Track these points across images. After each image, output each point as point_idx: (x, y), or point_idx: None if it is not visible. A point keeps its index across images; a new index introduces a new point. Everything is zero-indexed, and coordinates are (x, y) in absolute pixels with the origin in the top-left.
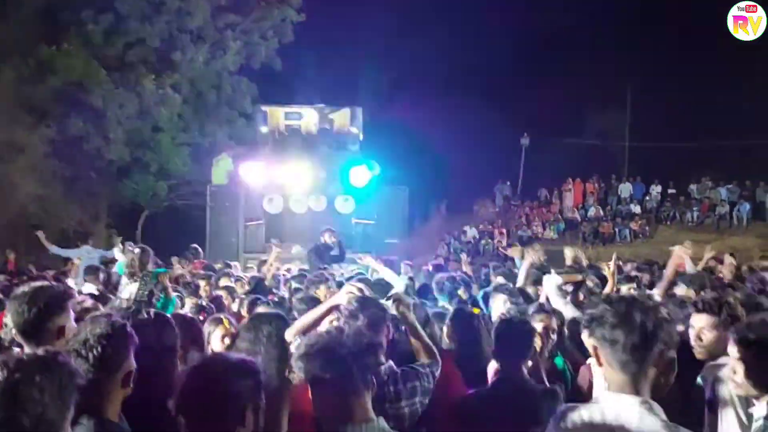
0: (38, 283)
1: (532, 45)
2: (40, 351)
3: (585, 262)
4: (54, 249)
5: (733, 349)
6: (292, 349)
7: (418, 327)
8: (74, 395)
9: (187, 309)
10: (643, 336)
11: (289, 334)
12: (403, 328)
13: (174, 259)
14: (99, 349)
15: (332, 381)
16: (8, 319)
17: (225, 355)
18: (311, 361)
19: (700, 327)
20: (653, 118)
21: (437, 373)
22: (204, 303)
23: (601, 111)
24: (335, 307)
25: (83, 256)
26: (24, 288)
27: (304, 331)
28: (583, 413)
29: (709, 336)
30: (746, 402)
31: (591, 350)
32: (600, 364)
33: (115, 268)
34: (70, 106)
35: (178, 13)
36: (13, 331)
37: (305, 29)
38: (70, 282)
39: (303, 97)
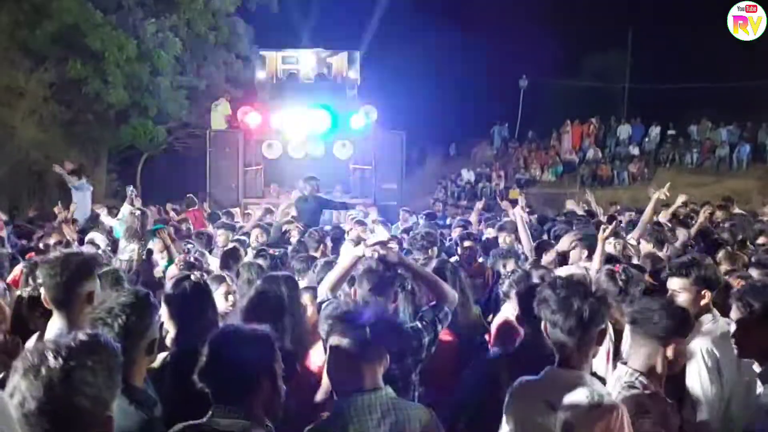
0: (68, 250)
1: None
2: (82, 336)
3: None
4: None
5: (734, 312)
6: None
7: (418, 267)
8: (120, 372)
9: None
10: (579, 320)
11: (322, 291)
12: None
13: (168, 206)
14: (124, 317)
15: (347, 347)
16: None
17: (238, 326)
18: (333, 325)
19: (673, 290)
20: (654, 59)
21: (449, 315)
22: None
23: (601, 52)
24: (357, 261)
25: (79, 201)
26: (55, 253)
27: (333, 288)
28: (533, 385)
29: (683, 297)
30: (713, 355)
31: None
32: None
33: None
34: (67, 49)
35: None
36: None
37: None
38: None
39: (300, 40)
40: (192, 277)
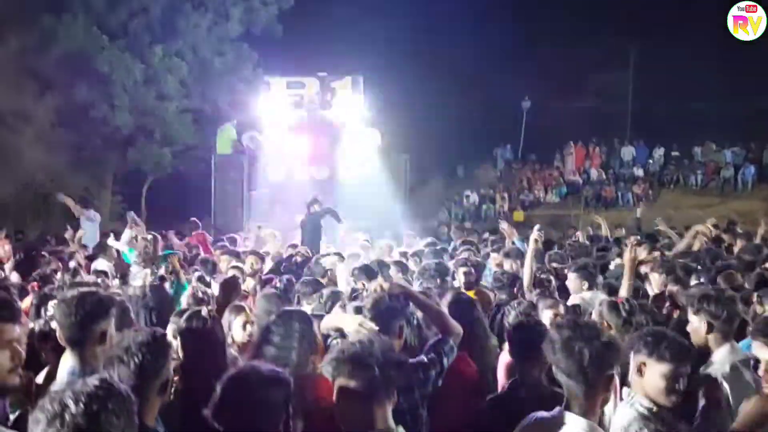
0: (85, 289)
1: (533, 6)
2: (95, 380)
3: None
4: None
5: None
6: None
7: (423, 299)
8: (136, 413)
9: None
10: (579, 364)
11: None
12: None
13: (171, 233)
14: (139, 356)
15: (357, 389)
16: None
17: (259, 367)
18: (339, 366)
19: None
20: (657, 79)
21: (455, 348)
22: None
23: (603, 73)
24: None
25: (88, 230)
26: (72, 292)
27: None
28: (545, 423)
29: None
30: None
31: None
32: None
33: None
34: (75, 74)
35: None
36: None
37: None
38: (79, 257)
39: (304, 65)
40: (202, 311)
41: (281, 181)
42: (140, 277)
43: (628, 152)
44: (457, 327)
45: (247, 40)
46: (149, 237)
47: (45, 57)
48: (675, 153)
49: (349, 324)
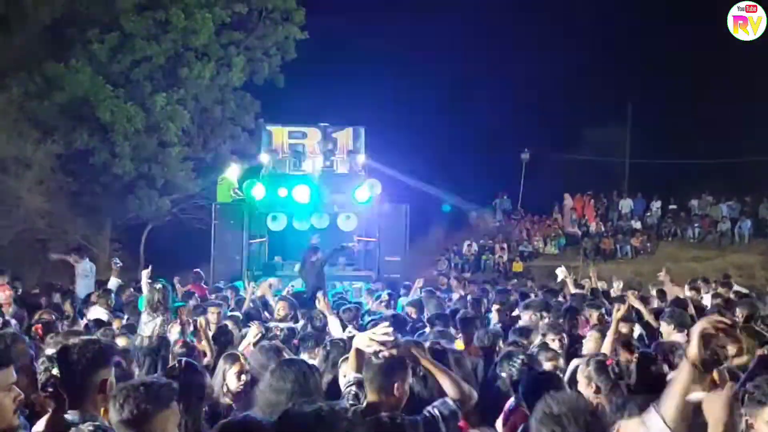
0: (86, 337)
1: (532, 60)
2: (91, 427)
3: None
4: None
5: None
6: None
7: (437, 364)
8: None
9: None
10: None
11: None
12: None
13: (176, 279)
14: (137, 400)
15: None
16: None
17: (255, 418)
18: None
19: None
20: (654, 133)
21: (458, 413)
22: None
23: (601, 126)
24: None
25: (83, 286)
26: (74, 340)
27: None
28: None
29: None
30: None
31: None
32: None
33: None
34: (75, 120)
35: (183, 31)
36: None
37: (308, 47)
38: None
39: (305, 115)
40: (183, 361)
41: (281, 230)
42: (150, 327)
43: (626, 205)
44: (471, 393)
45: (250, 88)
46: (158, 286)
47: (47, 103)
48: (672, 206)
49: (361, 342)
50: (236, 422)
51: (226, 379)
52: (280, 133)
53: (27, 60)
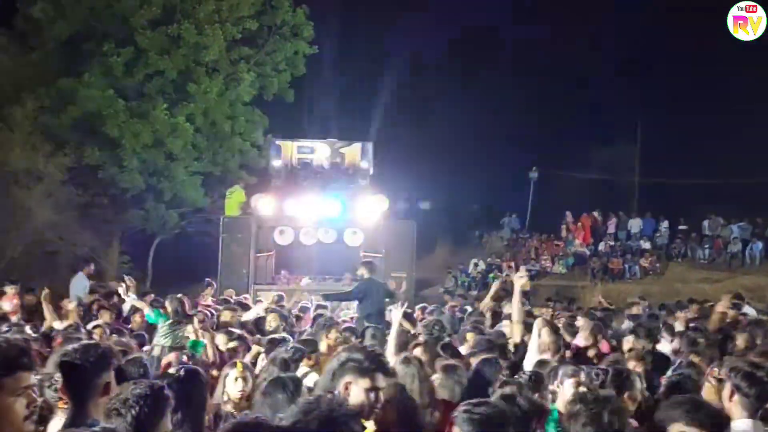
0: (86, 341)
1: (542, 79)
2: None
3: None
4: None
5: None
6: None
7: None
8: None
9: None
10: None
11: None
12: None
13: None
14: (137, 409)
15: None
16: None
17: (266, 420)
18: None
19: None
20: (663, 153)
21: None
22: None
23: (610, 146)
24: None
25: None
26: (75, 345)
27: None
28: None
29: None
30: None
31: None
32: None
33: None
34: (87, 135)
35: (195, 46)
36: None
37: (318, 62)
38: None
39: (315, 130)
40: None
41: (288, 245)
42: (170, 337)
43: (635, 224)
44: None
45: (259, 103)
46: (178, 296)
47: (60, 117)
48: (682, 227)
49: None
50: (248, 422)
51: (225, 384)
52: (289, 147)
53: (43, 75)
